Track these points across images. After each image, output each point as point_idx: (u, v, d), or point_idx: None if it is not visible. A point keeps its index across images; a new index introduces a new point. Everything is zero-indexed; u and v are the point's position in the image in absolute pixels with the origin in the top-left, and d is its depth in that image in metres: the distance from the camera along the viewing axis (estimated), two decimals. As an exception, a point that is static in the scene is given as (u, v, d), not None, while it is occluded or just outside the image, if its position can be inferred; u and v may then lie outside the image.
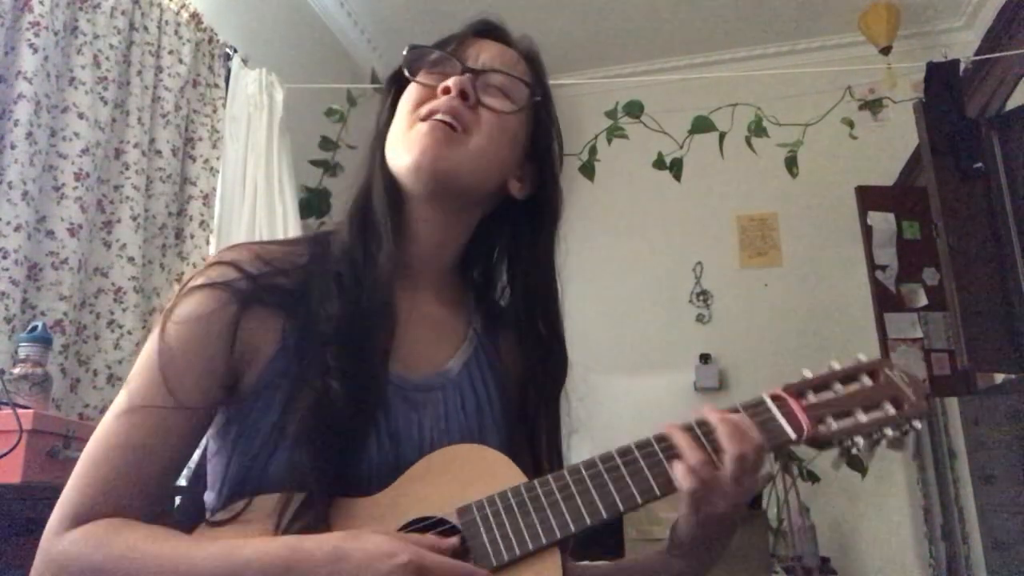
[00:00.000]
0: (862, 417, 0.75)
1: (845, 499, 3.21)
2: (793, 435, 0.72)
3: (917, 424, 0.75)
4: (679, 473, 0.68)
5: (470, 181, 0.79)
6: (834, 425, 0.74)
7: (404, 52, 0.84)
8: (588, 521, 0.67)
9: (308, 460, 0.67)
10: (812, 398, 0.76)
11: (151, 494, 0.69)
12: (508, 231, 0.88)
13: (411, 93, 0.82)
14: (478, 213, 0.85)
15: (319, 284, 0.75)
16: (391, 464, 0.72)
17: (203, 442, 0.77)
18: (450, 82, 0.78)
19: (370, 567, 0.59)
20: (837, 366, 0.78)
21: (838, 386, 0.77)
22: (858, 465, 3.05)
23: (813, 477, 3.14)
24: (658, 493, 0.69)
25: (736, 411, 0.73)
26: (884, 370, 0.78)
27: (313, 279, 0.76)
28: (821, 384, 0.77)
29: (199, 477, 0.79)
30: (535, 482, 0.69)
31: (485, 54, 0.83)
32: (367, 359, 0.72)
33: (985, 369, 2.55)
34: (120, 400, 0.70)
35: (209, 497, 0.75)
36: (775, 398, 0.75)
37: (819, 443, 0.74)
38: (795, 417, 0.73)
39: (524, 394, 0.84)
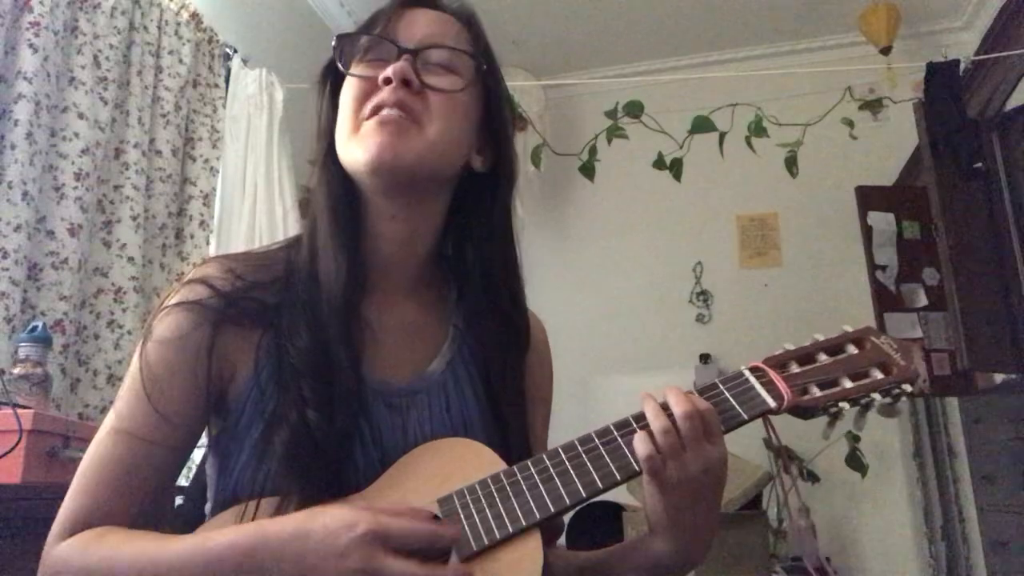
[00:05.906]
0: (847, 384, 0.73)
1: (845, 499, 3.21)
2: (773, 403, 0.71)
3: (907, 387, 0.73)
4: (637, 439, 0.67)
5: (434, 169, 0.75)
6: (818, 393, 0.73)
7: (332, 43, 0.77)
8: (567, 501, 0.66)
9: (293, 476, 0.67)
10: (795, 368, 0.75)
11: (143, 505, 0.71)
12: (469, 205, 0.83)
13: (351, 88, 0.76)
14: (444, 197, 0.81)
15: (288, 309, 0.74)
16: (377, 469, 0.72)
17: (202, 455, 0.78)
18: (390, 71, 0.72)
19: (331, 540, 0.59)
20: (821, 338, 0.78)
21: (823, 356, 0.76)
22: (858, 465, 3.05)
23: (813, 477, 3.14)
24: (636, 469, 0.68)
25: (715, 386, 0.73)
26: (870, 338, 0.77)
27: (288, 293, 0.75)
28: (804, 355, 0.77)
29: (201, 490, 0.79)
30: (515, 468, 0.69)
31: (419, 28, 0.76)
32: (341, 382, 0.71)
33: (985, 369, 2.55)
34: (109, 417, 0.72)
35: (208, 508, 0.76)
36: (755, 370, 0.75)
37: (803, 412, 0.73)
38: (775, 387, 0.72)
39: (490, 368, 0.81)
